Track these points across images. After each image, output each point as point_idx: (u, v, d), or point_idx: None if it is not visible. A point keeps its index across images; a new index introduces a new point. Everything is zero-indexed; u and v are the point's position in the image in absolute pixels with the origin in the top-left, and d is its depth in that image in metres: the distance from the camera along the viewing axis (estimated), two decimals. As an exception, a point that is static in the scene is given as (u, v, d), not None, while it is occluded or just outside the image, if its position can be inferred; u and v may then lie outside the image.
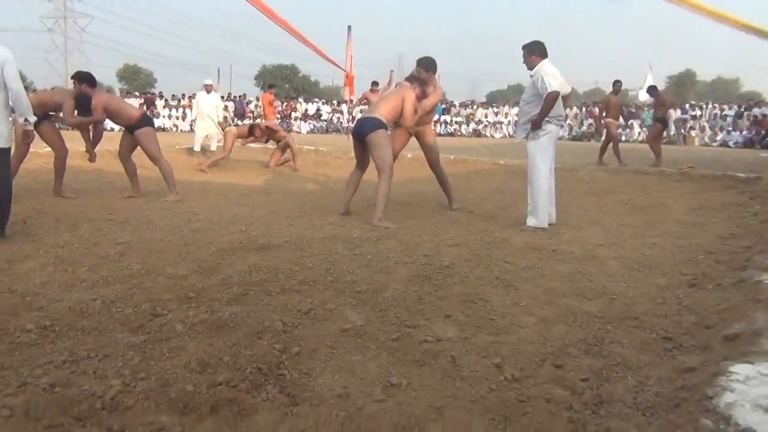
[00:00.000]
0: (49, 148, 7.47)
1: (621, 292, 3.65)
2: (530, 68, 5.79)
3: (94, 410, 2.13)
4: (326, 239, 4.85)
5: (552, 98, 5.57)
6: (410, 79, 6.49)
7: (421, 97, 6.43)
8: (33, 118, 4.87)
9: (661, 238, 5.33)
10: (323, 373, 2.47)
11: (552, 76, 5.62)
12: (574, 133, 26.26)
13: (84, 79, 7.00)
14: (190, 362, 2.51)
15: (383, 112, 6.10)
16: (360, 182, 6.41)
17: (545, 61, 5.74)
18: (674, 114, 26.06)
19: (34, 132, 5.14)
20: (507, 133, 28.97)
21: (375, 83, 13.84)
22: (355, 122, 6.34)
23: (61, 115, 6.98)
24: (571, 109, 28.56)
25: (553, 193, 5.88)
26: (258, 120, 11.99)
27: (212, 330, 2.88)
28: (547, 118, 5.69)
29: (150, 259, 4.13)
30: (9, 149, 4.78)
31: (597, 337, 2.93)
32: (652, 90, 13.31)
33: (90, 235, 4.82)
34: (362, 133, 6.05)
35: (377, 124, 6.00)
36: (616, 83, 12.72)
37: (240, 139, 11.72)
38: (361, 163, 6.36)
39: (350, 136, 7.58)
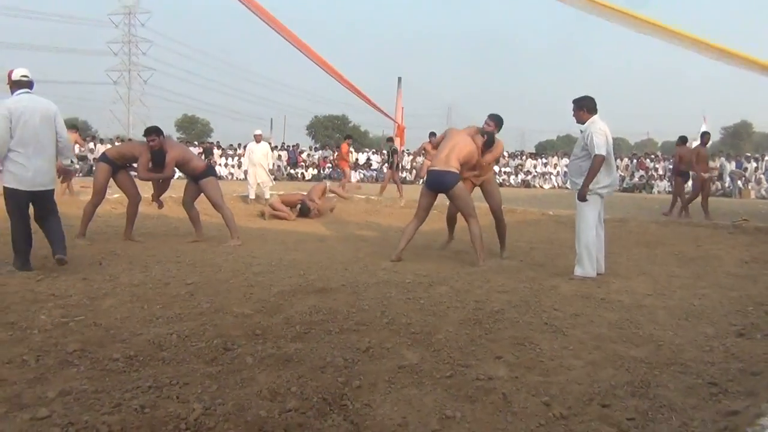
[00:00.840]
0: (116, 195, 8.00)
1: (668, 340, 3.76)
2: (579, 122, 5.98)
3: (180, 430, 2.39)
4: (380, 284, 5.09)
5: (599, 161, 5.74)
6: (481, 132, 6.95)
7: (483, 150, 6.89)
8: (75, 160, 5.54)
9: (711, 289, 5.38)
10: (383, 405, 2.67)
11: (602, 135, 5.75)
12: (625, 185, 26.05)
13: (158, 132, 7.50)
14: (261, 391, 2.75)
15: (456, 164, 6.51)
16: (415, 233, 6.69)
17: (595, 117, 5.89)
18: (729, 166, 25.67)
19: (75, 170, 5.82)
20: (556, 184, 28.96)
21: (432, 134, 14.46)
22: (430, 174, 6.67)
23: (137, 167, 7.48)
24: (622, 160, 28.46)
25: (602, 243, 5.99)
26: (323, 181, 12.06)
27: (279, 363, 3.12)
28: (599, 189, 5.85)
29: (217, 298, 4.43)
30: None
31: (643, 380, 3.06)
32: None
33: (161, 276, 5.17)
34: (445, 185, 6.50)
35: (457, 177, 6.49)
36: (705, 135, 12.59)
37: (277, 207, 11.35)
38: (423, 214, 6.68)
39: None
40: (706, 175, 12.42)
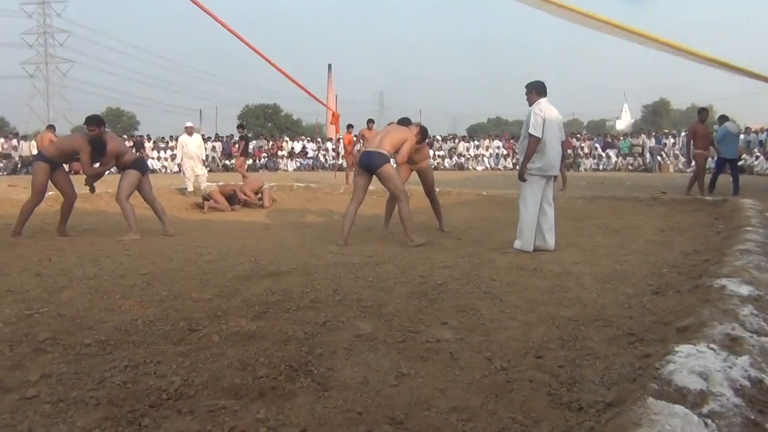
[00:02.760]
0: (50, 193, 7.97)
1: (593, 300, 4.21)
2: (530, 105, 6.36)
3: (163, 399, 2.62)
4: (329, 265, 5.39)
5: (534, 142, 6.13)
6: (412, 126, 7.58)
7: (419, 143, 7.43)
8: None
9: (632, 255, 5.92)
10: (345, 368, 2.97)
11: (539, 117, 6.13)
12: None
13: (97, 121, 7.47)
14: (232, 363, 3.01)
15: (388, 147, 6.87)
16: (356, 215, 7.00)
17: (542, 100, 6.28)
18: (649, 143, 27.05)
19: None
20: (488, 166, 29.77)
21: (371, 121, 15.40)
22: (362, 155, 7.04)
23: (81, 164, 7.41)
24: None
25: (551, 220, 6.41)
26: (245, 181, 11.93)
27: (245, 339, 3.38)
28: (534, 170, 6.22)
29: (175, 286, 4.62)
30: None
31: (571, 335, 3.47)
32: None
33: (114, 268, 5.30)
34: (373, 165, 6.78)
35: (385, 158, 6.78)
36: (702, 111, 12.24)
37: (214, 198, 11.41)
38: (360, 195, 6.97)
39: (351, 172, 8.10)
40: (706, 153, 12.15)
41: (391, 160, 7.03)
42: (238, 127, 16.70)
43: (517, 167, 6.68)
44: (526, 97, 6.41)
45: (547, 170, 6.27)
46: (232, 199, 11.39)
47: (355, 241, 7.00)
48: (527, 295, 4.37)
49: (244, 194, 11.60)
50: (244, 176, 14.74)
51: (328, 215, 10.25)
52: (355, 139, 17.24)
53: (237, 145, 17.20)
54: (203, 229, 8.34)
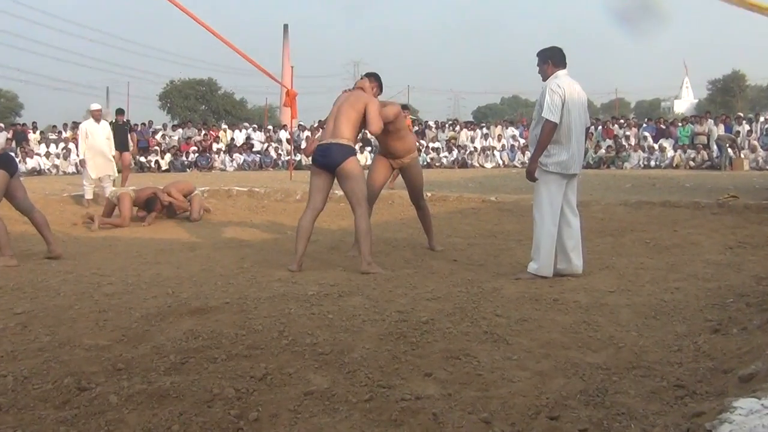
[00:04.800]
0: None
1: (631, 342, 4.28)
2: (544, 80, 6.45)
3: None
4: (275, 298, 5.41)
5: (549, 128, 6.18)
6: (368, 74, 7.63)
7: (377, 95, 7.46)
8: None
9: (686, 281, 6.02)
10: (289, 437, 2.98)
11: (557, 95, 6.19)
12: (590, 159, 27.20)
13: None
14: (134, 433, 3.01)
15: (347, 133, 6.91)
16: (313, 228, 7.03)
17: (560, 72, 6.37)
18: (716, 130, 27.27)
19: None
20: (500, 162, 29.85)
21: (405, 107, 15.75)
22: (316, 148, 7.07)
23: None
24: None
25: (578, 235, 6.48)
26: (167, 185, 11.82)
27: (153, 401, 3.38)
28: (551, 166, 6.28)
29: (60, 329, 4.62)
30: None
31: (599, 388, 3.52)
32: None
33: (-23, 306, 5.29)
34: (331, 161, 6.85)
35: (348, 151, 6.87)
36: None
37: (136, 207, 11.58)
38: (318, 201, 7.00)
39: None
40: None
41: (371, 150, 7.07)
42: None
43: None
44: (538, 68, 6.49)
45: (569, 166, 6.34)
46: (151, 204, 11.31)
47: (313, 265, 7.04)
48: (542, 335, 4.42)
49: (170, 196, 11.49)
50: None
51: (278, 230, 10.26)
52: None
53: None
54: (104, 250, 8.31)
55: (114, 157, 13.96)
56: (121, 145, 15.33)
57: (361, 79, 7.67)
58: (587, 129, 6.59)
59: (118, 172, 15.33)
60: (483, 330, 4.52)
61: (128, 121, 18.93)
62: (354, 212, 6.99)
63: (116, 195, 11.29)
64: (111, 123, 15.66)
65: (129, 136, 16.18)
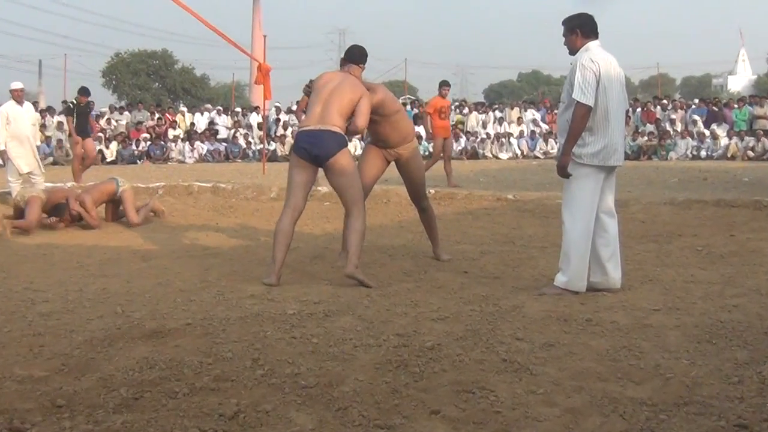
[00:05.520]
0: None
1: (681, 371, 4.26)
2: (572, 52, 6.43)
3: None
4: (247, 319, 5.40)
5: (581, 112, 6.13)
6: (356, 59, 7.58)
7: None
8: None
9: (747, 297, 6.03)
10: (266, 489, 2.97)
11: (590, 71, 6.14)
12: (627, 148, 27.14)
13: None
14: (77, 484, 2.99)
15: (338, 121, 6.95)
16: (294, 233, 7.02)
17: (591, 44, 6.34)
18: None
19: None
20: (518, 152, 29.78)
21: (445, 84, 16.37)
22: (299, 135, 7.08)
23: None
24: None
25: (615, 241, 6.47)
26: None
27: (100, 445, 3.36)
28: (586, 157, 6.25)
29: (-14, 357, 4.59)
30: None
31: (644, 428, 3.51)
32: None
33: None
34: (321, 151, 6.87)
35: (342, 141, 6.93)
36: None
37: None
38: (298, 199, 6.99)
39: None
40: None
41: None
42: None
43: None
44: (564, 40, 6.48)
45: (606, 157, 6.30)
46: (59, 211, 11.16)
47: (293, 277, 7.03)
48: (573, 364, 4.41)
49: (82, 206, 11.23)
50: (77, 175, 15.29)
51: (250, 235, 10.22)
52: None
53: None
54: (38, 260, 8.27)
55: (77, 143, 14.16)
56: (83, 131, 15.38)
57: (346, 61, 7.64)
58: (626, 112, 6.56)
59: (83, 160, 15.69)
60: (501, 357, 4.51)
61: (91, 102, 19.05)
62: (349, 212, 7.06)
63: (24, 198, 11.23)
64: (72, 104, 15.79)
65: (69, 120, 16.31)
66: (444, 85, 16.36)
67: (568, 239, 6.32)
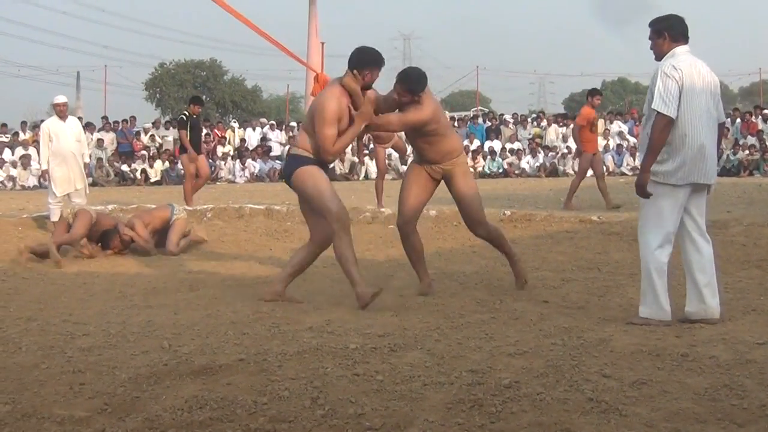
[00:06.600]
0: None
1: (790, 412, 4.19)
2: (658, 57, 6.40)
3: None
4: (305, 354, 5.41)
5: (661, 124, 6.09)
6: (350, 64, 7.39)
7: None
8: None
9: None
10: None
11: (672, 80, 6.10)
12: (725, 164, 26.82)
13: None
14: None
15: (302, 141, 7.37)
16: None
17: (679, 49, 6.29)
18: None
19: None
20: (605, 167, 29.51)
21: (596, 92, 16.50)
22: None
23: None
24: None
25: (711, 266, 6.37)
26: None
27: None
28: (663, 176, 6.19)
29: (24, 396, 4.66)
30: None
31: (751, 479, 3.46)
32: None
33: None
34: (286, 178, 7.49)
35: (296, 163, 7.34)
36: None
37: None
38: (312, 230, 7.60)
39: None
40: None
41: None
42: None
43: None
44: (650, 44, 6.45)
45: (689, 175, 6.22)
46: (106, 238, 11.21)
47: (354, 308, 7.06)
48: (668, 403, 4.35)
49: (133, 230, 11.30)
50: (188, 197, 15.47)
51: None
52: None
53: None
54: (78, 290, 8.39)
55: (193, 160, 15.08)
56: (197, 146, 15.57)
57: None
58: (721, 125, 6.49)
59: (196, 177, 15.96)
60: (587, 396, 4.46)
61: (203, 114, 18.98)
62: (333, 235, 7.38)
63: (74, 211, 11.33)
64: (185, 116, 15.90)
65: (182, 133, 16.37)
66: (595, 93, 16.17)
67: (645, 267, 6.29)
